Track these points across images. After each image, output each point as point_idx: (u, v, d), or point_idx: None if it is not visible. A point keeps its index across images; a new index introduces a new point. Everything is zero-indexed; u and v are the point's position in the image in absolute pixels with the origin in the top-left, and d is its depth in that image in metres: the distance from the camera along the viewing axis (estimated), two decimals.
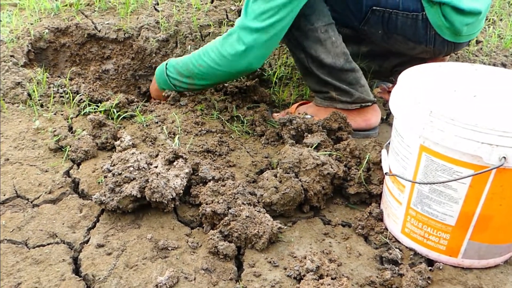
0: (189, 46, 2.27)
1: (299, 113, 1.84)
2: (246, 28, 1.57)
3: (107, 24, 2.28)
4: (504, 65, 2.45)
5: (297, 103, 1.93)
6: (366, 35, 1.88)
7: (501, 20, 2.99)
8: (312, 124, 1.64)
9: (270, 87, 2.11)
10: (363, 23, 1.80)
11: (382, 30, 1.79)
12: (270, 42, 1.60)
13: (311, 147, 1.54)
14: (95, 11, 2.39)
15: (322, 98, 1.82)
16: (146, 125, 1.73)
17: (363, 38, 2.02)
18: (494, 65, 2.42)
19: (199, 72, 1.72)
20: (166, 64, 1.84)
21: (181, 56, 2.28)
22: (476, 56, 2.48)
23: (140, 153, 1.42)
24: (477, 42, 2.65)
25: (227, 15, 2.49)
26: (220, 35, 2.31)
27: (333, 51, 1.70)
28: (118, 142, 1.55)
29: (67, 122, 1.73)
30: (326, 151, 1.53)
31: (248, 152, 1.66)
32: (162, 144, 1.63)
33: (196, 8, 2.49)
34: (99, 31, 2.25)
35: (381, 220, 1.38)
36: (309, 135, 1.60)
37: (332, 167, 1.43)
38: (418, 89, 1.20)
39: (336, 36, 1.72)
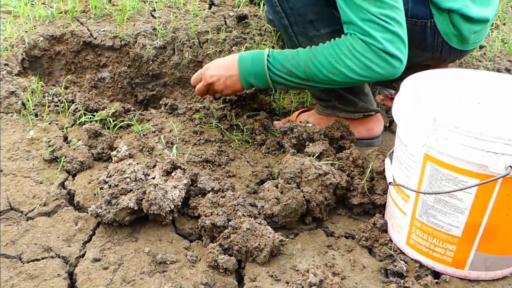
0: (187, 53, 2.28)
1: (300, 122, 1.85)
2: (373, 25, 1.42)
3: (103, 31, 2.29)
4: (508, 70, 2.46)
5: (298, 111, 1.94)
6: None
7: (504, 24, 3.01)
8: (314, 133, 1.64)
9: (270, 95, 2.11)
10: None
11: None
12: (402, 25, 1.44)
13: (313, 156, 1.55)
14: (90, 18, 2.40)
15: (324, 106, 1.82)
16: (143, 135, 1.73)
17: None
18: (498, 70, 2.43)
19: (326, 79, 1.50)
20: (268, 55, 1.57)
21: (179, 64, 2.29)
22: (480, 61, 2.49)
23: (137, 163, 1.42)
24: (481, 47, 2.66)
25: (225, 21, 2.50)
26: (218, 40, 2.34)
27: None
28: (114, 153, 1.55)
29: (62, 132, 1.73)
30: (328, 160, 1.54)
31: (248, 161, 1.67)
32: (160, 154, 1.63)
33: (193, 14, 2.51)
34: (95, 38, 2.26)
35: (386, 231, 1.38)
36: (311, 144, 1.60)
37: (334, 177, 1.43)
38: (421, 97, 1.20)
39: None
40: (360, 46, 1.43)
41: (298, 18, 1.64)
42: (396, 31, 1.42)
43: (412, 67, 1.97)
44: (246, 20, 2.47)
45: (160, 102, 2.01)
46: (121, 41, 2.27)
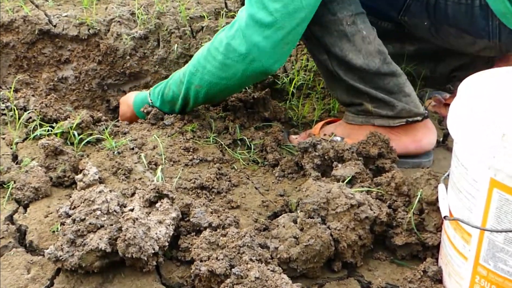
0: (176, 45, 2.32)
1: (325, 135, 1.86)
2: (253, 22, 1.60)
3: (65, 16, 2.34)
4: None
5: (322, 121, 1.95)
6: (409, 28, 1.90)
7: None
8: (344, 150, 1.66)
9: (285, 100, 2.14)
10: (402, 13, 1.84)
11: (428, 20, 1.81)
12: (287, 41, 1.62)
13: (343, 181, 1.55)
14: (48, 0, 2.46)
15: (354, 112, 1.84)
16: (118, 153, 1.75)
17: (406, 33, 2.05)
18: None
19: (197, 95, 1.79)
20: (149, 93, 1.98)
21: (165, 59, 2.33)
22: None
23: (110, 191, 1.43)
24: None
25: (226, 3, 2.55)
26: (217, 28, 2.37)
27: (365, 48, 1.74)
28: (80, 176, 1.56)
29: (11, 148, 1.75)
30: (363, 186, 1.54)
31: (256, 188, 1.68)
32: (140, 179, 1.65)
33: None
34: (55, 26, 2.31)
35: (440, 281, 1.38)
36: (340, 165, 1.62)
37: (371, 209, 1.44)
38: (484, 103, 1.21)
39: (367, 29, 1.75)
40: (219, 42, 1.71)
41: None
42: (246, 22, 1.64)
43: (472, 64, 1.99)
44: None
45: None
46: (89, 29, 2.31)
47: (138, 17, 2.38)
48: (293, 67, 2.31)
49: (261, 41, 1.61)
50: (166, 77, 2.34)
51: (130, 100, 2.05)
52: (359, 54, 1.73)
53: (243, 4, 2.45)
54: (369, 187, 1.55)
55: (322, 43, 1.75)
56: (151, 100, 1.95)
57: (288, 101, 2.14)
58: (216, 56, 1.69)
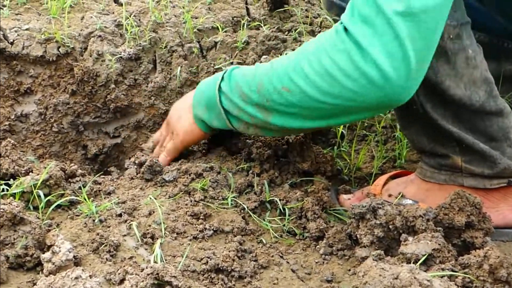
0: (179, 68, 2.36)
1: (390, 196, 1.89)
2: (379, 14, 1.54)
3: (26, 30, 2.40)
4: None
5: (386, 176, 1.97)
6: None
7: None
8: (416, 217, 1.66)
9: (332, 145, 2.16)
10: None
11: None
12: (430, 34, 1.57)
13: (416, 262, 1.56)
14: (4, 6, 2.53)
15: (435, 166, 1.87)
16: (100, 221, 1.78)
17: (506, 49, 2.08)
18: None
19: (282, 101, 1.69)
20: (226, 72, 1.89)
21: (164, 87, 2.36)
22: None
23: (91, 276, 1.46)
24: None
25: (247, 9, 2.60)
26: (236, 44, 2.42)
27: (468, 74, 1.75)
28: (47, 255, 1.58)
29: None
30: (444, 269, 1.55)
31: (294, 271, 1.70)
32: (131, 258, 1.67)
33: None
34: (12, 43, 2.36)
35: None
36: (411, 239, 1.62)
37: None
38: None
39: (473, 47, 1.76)
40: (330, 43, 1.61)
41: None
42: (402, 36, 1.52)
43: None
44: (286, 8, 2.57)
45: (130, 160, 2.09)
46: (58, 47, 2.35)
47: (126, 30, 2.44)
48: None
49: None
50: (166, 112, 2.40)
51: (187, 102, 2.03)
52: (459, 82, 1.74)
53: (271, 8, 2.54)
54: (453, 270, 1.55)
55: None
56: (222, 80, 1.89)
57: (336, 146, 2.17)
58: (322, 59, 1.62)
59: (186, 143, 2.05)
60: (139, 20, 2.49)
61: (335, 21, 2.40)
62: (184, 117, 2.00)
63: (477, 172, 1.83)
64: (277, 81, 1.68)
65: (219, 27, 2.48)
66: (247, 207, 1.88)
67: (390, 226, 1.68)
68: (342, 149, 2.16)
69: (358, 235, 1.72)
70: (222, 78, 1.85)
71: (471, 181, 1.84)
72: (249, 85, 1.76)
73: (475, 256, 1.58)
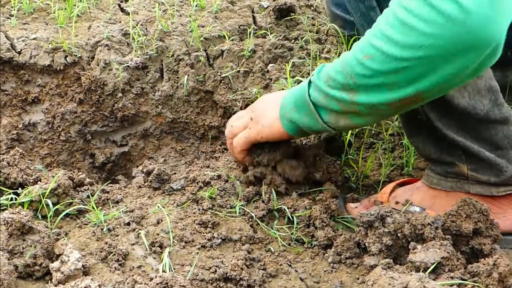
0: (186, 76, 2.36)
1: (397, 203, 1.89)
2: None
3: (34, 39, 2.40)
4: None
5: (393, 183, 1.98)
6: None
7: None
8: (424, 225, 1.66)
9: (340, 152, 2.17)
10: None
11: None
12: None
13: (424, 270, 1.56)
14: (11, 16, 2.54)
15: (441, 173, 1.87)
16: (109, 230, 1.80)
17: (511, 58, 2.08)
18: None
19: (365, 72, 1.57)
20: (313, 75, 1.77)
21: (171, 96, 2.37)
22: None
23: (99, 285, 1.47)
24: None
25: (254, 18, 2.60)
26: (243, 52, 2.43)
27: (472, 84, 1.75)
28: (56, 264, 1.59)
29: None
30: (452, 277, 1.55)
31: (302, 279, 1.70)
32: (140, 267, 1.68)
33: (197, 6, 2.62)
34: (19, 52, 2.36)
35: None
36: (419, 247, 1.62)
37: None
38: None
39: None
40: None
41: None
42: None
43: None
44: (292, 16, 2.58)
45: (138, 168, 2.11)
46: (66, 56, 2.36)
47: (133, 39, 2.44)
48: None
49: None
50: (173, 121, 2.42)
51: (277, 98, 1.92)
52: (464, 92, 1.75)
53: (278, 16, 2.54)
54: (462, 279, 1.55)
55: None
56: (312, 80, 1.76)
57: (344, 154, 2.17)
58: (396, 13, 1.51)
59: (263, 135, 1.92)
60: (146, 29, 2.49)
61: (345, 34, 2.43)
62: (270, 110, 1.89)
63: (483, 180, 1.83)
64: (359, 52, 1.58)
65: (226, 35, 2.48)
66: (255, 215, 1.89)
67: (399, 234, 1.68)
68: (350, 156, 2.15)
69: (366, 243, 1.72)
70: (317, 73, 1.74)
71: (478, 189, 1.84)
72: (335, 67, 1.65)
73: (484, 264, 1.58)
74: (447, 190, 1.88)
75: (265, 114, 1.90)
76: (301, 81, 2.35)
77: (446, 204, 1.82)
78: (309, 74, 2.40)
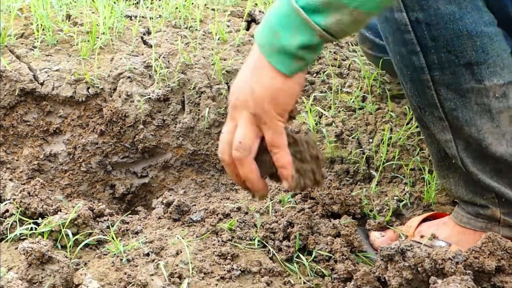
0: (207, 109, 2.38)
1: (422, 237, 1.87)
2: None
3: (56, 71, 2.43)
4: None
5: (420, 217, 1.97)
6: None
7: None
8: (445, 260, 1.65)
9: (361, 185, 2.16)
10: None
11: None
12: None
13: None
14: (34, 47, 2.57)
15: (472, 214, 1.87)
16: (128, 260, 1.79)
17: None
18: None
19: None
20: None
21: (192, 128, 2.39)
22: None
23: None
24: None
25: None
26: None
27: (511, 132, 1.76)
28: None
29: None
30: None
31: None
32: None
33: (219, 39, 2.64)
34: (42, 83, 2.39)
35: None
36: (440, 281, 1.60)
37: None
38: None
39: None
40: None
41: (445, 56, 1.71)
42: None
43: None
44: None
45: (158, 199, 2.11)
46: (88, 88, 2.39)
47: (155, 71, 2.47)
48: (370, 140, 2.35)
49: None
50: (195, 153, 2.43)
51: (249, 65, 1.52)
52: (501, 139, 1.75)
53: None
54: None
55: (450, 117, 1.77)
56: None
57: (363, 187, 2.17)
58: None
59: (284, 108, 1.51)
60: (168, 61, 2.51)
61: (366, 55, 2.43)
62: (257, 80, 1.49)
63: None
64: None
65: None
66: (274, 250, 1.89)
67: (419, 269, 1.67)
68: (373, 188, 2.14)
69: (386, 277, 1.71)
70: None
71: (508, 232, 1.82)
72: None
73: None
74: (474, 230, 1.87)
75: (258, 92, 1.48)
76: (322, 114, 2.36)
77: (473, 241, 1.80)
78: (330, 107, 2.40)
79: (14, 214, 1.93)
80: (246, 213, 2.01)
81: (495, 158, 1.76)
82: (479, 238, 1.77)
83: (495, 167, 1.78)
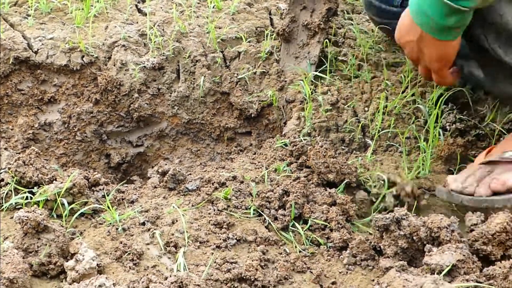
0: (202, 78, 2.37)
1: (504, 152, 1.92)
2: None
3: (51, 39, 2.41)
4: None
5: (483, 152, 2.01)
6: None
7: None
8: (441, 228, 1.66)
9: (355, 152, 2.17)
10: None
11: None
12: None
13: (439, 273, 1.55)
14: (28, 15, 2.56)
15: None
16: (123, 229, 1.79)
17: None
18: None
19: None
20: None
21: (187, 97, 2.38)
22: None
23: (114, 284, 1.47)
24: None
25: (271, 20, 2.59)
26: (259, 54, 2.43)
27: None
28: (71, 263, 1.60)
29: None
30: (468, 280, 1.54)
31: (318, 283, 1.70)
32: (154, 266, 1.68)
33: (214, 7, 2.62)
34: (36, 52, 2.37)
35: None
36: (435, 249, 1.61)
37: None
38: None
39: None
40: None
41: None
42: None
43: None
44: None
45: (153, 169, 2.11)
46: (82, 56, 2.38)
47: (150, 39, 2.45)
48: (366, 108, 2.34)
49: None
50: (189, 122, 2.42)
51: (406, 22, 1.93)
52: None
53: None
54: (478, 282, 1.54)
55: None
56: None
57: (358, 157, 2.16)
58: None
59: (439, 61, 1.97)
60: (163, 30, 2.50)
61: (372, 20, 2.43)
62: (411, 36, 1.94)
63: None
64: None
65: (243, 37, 2.48)
66: (269, 220, 1.88)
67: (414, 237, 1.68)
68: (367, 156, 2.14)
69: (382, 246, 1.72)
70: None
71: None
72: None
73: (500, 267, 1.57)
74: None
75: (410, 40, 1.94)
76: (317, 84, 2.35)
77: None
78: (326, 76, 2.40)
79: (10, 183, 1.92)
80: (242, 182, 2.00)
81: None
82: None
83: None
